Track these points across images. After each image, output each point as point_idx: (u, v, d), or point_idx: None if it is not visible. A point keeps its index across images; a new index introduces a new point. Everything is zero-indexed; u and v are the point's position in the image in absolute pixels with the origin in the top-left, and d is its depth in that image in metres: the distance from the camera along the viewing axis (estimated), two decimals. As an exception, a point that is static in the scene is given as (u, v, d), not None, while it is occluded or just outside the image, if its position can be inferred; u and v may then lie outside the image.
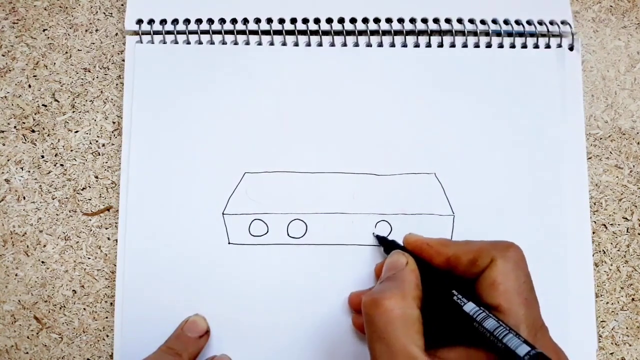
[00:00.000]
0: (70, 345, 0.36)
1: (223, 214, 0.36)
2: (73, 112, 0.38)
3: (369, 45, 0.38)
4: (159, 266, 0.36)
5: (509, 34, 0.38)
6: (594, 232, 0.37)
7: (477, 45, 0.38)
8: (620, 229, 0.38)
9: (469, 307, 0.27)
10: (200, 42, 0.38)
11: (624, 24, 0.40)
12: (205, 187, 0.36)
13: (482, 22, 0.38)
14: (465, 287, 0.28)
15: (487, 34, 0.38)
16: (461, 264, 0.29)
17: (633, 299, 0.37)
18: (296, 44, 0.38)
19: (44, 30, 0.39)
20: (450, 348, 0.27)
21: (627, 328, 0.37)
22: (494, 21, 0.38)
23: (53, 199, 0.37)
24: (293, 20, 0.38)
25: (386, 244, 0.34)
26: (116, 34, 0.39)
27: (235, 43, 0.38)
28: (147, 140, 0.37)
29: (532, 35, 0.38)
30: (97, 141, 0.38)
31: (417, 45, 0.38)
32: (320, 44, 0.38)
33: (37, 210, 0.37)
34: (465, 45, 0.38)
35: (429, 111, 0.37)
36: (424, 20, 0.38)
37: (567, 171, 0.37)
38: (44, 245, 0.37)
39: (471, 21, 0.38)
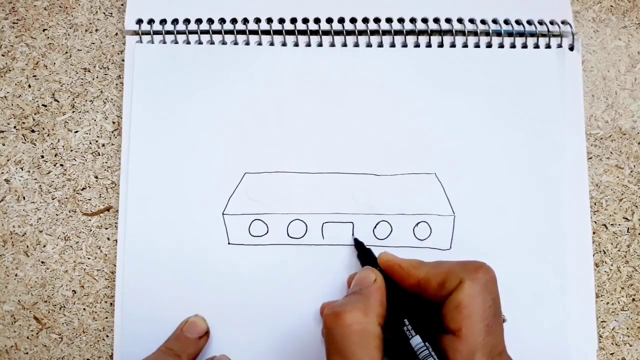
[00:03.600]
0: (70, 345, 0.36)
1: (223, 214, 0.36)
2: (73, 112, 0.38)
3: (369, 45, 0.38)
4: (159, 266, 0.36)
5: (509, 34, 0.38)
6: (594, 232, 0.37)
7: (477, 45, 0.38)
8: (620, 229, 0.38)
9: (415, 341, 0.27)
10: (200, 42, 0.38)
11: (625, 24, 0.40)
12: (205, 187, 0.36)
13: (482, 22, 0.38)
14: (433, 311, 0.28)
15: (487, 34, 0.38)
16: (431, 287, 0.28)
17: (633, 299, 0.37)
18: (296, 44, 0.38)
19: (44, 30, 0.39)
20: None
21: (627, 328, 0.37)
22: (494, 21, 0.38)
23: (53, 199, 0.37)
24: (293, 20, 0.38)
25: (362, 253, 0.34)
26: (116, 34, 0.39)
27: (235, 43, 0.38)
28: (147, 140, 0.37)
29: (532, 35, 0.38)
30: (97, 141, 0.38)
31: (417, 45, 0.38)
32: (320, 44, 0.38)
33: (37, 211, 0.37)
34: (465, 45, 0.38)
35: (429, 111, 0.37)
36: (424, 20, 0.38)
37: (567, 171, 0.37)
38: (44, 246, 0.37)
39: (471, 21, 0.38)
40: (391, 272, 0.30)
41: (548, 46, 0.38)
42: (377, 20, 0.38)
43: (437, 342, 0.26)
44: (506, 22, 0.38)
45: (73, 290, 0.37)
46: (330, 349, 0.27)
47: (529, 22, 0.38)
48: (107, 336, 0.36)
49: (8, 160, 0.38)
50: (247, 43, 0.38)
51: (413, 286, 0.29)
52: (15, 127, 0.38)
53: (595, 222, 0.38)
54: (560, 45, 0.38)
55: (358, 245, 0.35)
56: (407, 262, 0.30)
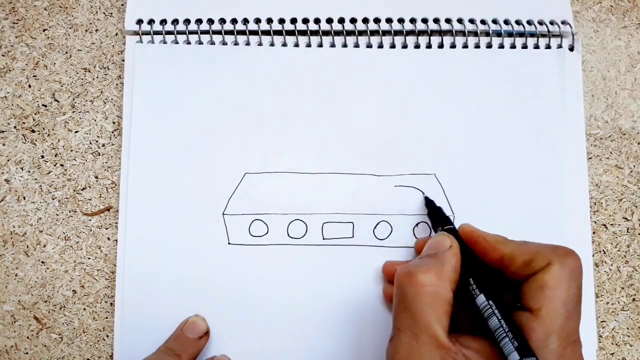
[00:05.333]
0: (70, 345, 0.36)
1: (223, 214, 0.36)
2: (73, 112, 0.38)
3: (369, 46, 0.38)
4: (159, 266, 0.36)
5: (510, 34, 0.38)
6: (594, 232, 0.37)
7: (477, 46, 0.38)
8: (620, 229, 0.38)
9: (480, 299, 0.27)
10: (200, 42, 0.38)
11: (625, 24, 0.40)
12: (205, 187, 0.36)
13: (482, 22, 0.38)
14: (510, 288, 0.28)
15: (487, 34, 0.38)
16: (515, 264, 0.28)
17: (634, 299, 0.37)
18: (296, 45, 0.38)
19: (44, 30, 0.39)
20: (475, 337, 0.27)
21: (627, 328, 0.37)
22: (494, 21, 0.38)
23: (53, 199, 0.37)
24: (293, 21, 0.38)
25: (436, 217, 0.34)
26: (116, 34, 0.39)
27: (236, 43, 0.38)
28: (147, 140, 0.37)
29: (532, 35, 0.38)
30: (97, 141, 0.38)
31: (417, 46, 0.38)
32: (320, 45, 0.38)
33: (37, 210, 0.37)
34: (465, 46, 0.38)
35: (428, 112, 0.37)
36: (424, 21, 0.38)
37: (567, 171, 0.37)
38: (44, 246, 0.37)
39: (471, 21, 0.38)
40: (474, 244, 0.30)
41: (548, 46, 0.38)
42: (377, 21, 0.38)
43: (510, 316, 0.26)
44: (506, 22, 0.38)
45: (73, 290, 0.37)
46: (399, 307, 0.27)
47: (529, 22, 0.38)
48: (107, 336, 0.36)
49: (8, 160, 0.38)
50: (248, 43, 0.38)
51: (495, 261, 0.29)
52: (15, 127, 0.38)
53: (595, 222, 0.38)
54: (560, 46, 0.38)
55: (431, 207, 0.35)
56: (493, 237, 0.30)
